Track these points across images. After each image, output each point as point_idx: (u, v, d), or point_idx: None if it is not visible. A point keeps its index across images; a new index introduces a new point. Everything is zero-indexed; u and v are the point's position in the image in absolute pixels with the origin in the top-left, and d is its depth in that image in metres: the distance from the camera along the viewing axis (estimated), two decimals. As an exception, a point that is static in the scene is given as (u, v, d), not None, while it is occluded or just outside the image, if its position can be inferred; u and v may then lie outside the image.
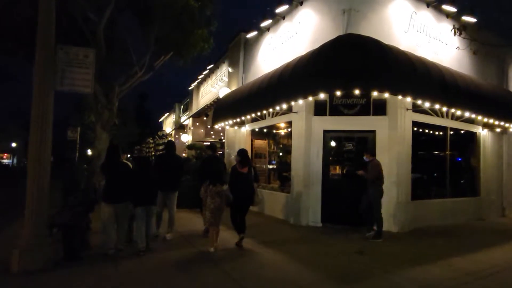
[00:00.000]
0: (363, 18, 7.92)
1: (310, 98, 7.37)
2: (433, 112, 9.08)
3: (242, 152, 6.78)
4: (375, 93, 8.10)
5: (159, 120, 35.44)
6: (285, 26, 10.07)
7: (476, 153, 10.79)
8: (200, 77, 18.04)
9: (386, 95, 7.39)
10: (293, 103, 8.06)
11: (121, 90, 12.83)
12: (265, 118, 10.99)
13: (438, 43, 9.39)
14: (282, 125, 11.80)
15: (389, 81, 6.49)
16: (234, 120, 10.76)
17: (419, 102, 7.46)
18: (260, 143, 12.73)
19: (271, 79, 8.26)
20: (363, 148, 8.60)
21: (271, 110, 9.30)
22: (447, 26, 9.47)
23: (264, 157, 12.77)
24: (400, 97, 7.03)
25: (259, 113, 9.88)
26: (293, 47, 9.54)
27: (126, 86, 13.00)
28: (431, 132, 9.62)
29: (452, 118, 9.64)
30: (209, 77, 17.74)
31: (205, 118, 16.98)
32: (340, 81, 6.52)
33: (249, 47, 12.48)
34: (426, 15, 9.12)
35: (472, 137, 10.72)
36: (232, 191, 6.23)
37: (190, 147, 13.86)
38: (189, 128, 20.77)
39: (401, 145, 8.16)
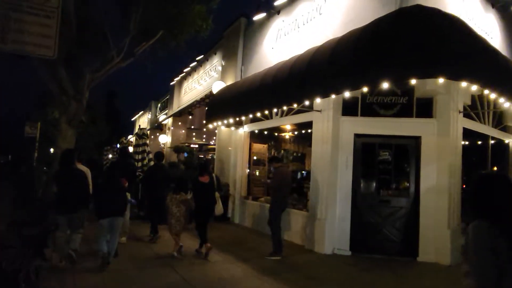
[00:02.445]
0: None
1: (365, 89, 5.56)
2: (476, 117, 7.62)
3: (202, 163, 7.12)
4: (423, 89, 6.57)
5: (132, 119, 32.77)
6: (303, 7, 8.30)
7: (509, 166, 9.43)
8: (185, 70, 15.91)
9: (466, 86, 5.77)
10: (318, 99, 6.25)
11: (93, 78, 10.61)
12: (271, 118, 9.17)
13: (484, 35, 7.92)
14: (288, 126, 10.05)
15: (480, 70, 4.81)
16: (232, 120, 8.85)
17: (501, 100, 5.86)
18: (259, 147, 10.88)
19: (293, 69, 6.42)
20: (403, 158, 6.97)
21: (284, 107, 7.50)
22: (492, 16, 8.08)
23: (263, 164, 10.93)
24: (486, 91, 5.39)
25: (266, 112, 8.05)
26: (315, 31, 7.78)
27: (100, 73, 10.79)
28: (474, 140, 8.14)
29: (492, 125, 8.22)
30: (195, 71, 15.69)
31: (190, 117, 14.91)
32: (416, 68, 4.70)
33: (251, 34, 10.62)
34: (474, 2, 7.63)
35: (505, 148, 9.35)
36: (194, 200, 6.37)
37: (177, 149, 11.73)
38: (168, 129, 18.58)
39: (453, 155, 6.57)
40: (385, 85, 4.91)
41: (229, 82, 10.88)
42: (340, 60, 5.33)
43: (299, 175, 10.33)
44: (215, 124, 9.46)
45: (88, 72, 10.33)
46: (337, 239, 6.81)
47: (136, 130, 28.73)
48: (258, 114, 7.91)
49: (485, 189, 2.10)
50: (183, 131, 18.32)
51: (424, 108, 6.80)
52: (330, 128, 6.97)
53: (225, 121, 8.97)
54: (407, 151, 6.89)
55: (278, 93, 6.68)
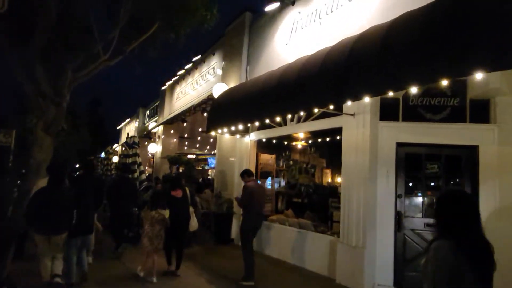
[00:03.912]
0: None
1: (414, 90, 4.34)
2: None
3: (174, 176, 6.74)
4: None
5: (118, 127, 31.07)
6: (325, -6, 7.12)
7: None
8: (179, 73, 14.53)
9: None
10: (349, 103, 4.98)
11: (75, 78, 9.19)
12: (284, 124, 7.92)
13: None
14: (302, 134, 8.80)
15: None
16: (241, 127, 7.56)
17: None
18: (267, 158, 9.60)
19: (327, 62, 5.17)
20: (456, 172, 5.78)
21: (315, 110, 6.26)
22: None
23: (271, 177, 9.65)
24: None
25: (288, 115, 6.80)
26: (343, 20, 6.60)
27: (83, 72, 9.38)
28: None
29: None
30: (189, 74, 14.36)
31: (184, 124, 13.53)
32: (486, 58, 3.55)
33: (258, 30, 9.40)
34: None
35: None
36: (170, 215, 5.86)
37: (172, 161, 10.30)
38: (158, 137, 17.12)
39: (518, 168, 5.40)
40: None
41: (232, 84, 9.60)
42: (399, 49, 4.10)
43: (309, 190, 9.03)
44: (219, 131, 8.14)
45: (69, 71, 8.92)
46: (378, 272, 5.53)
47: (124, 138, 27.06)
48: (276, 119, 6.63)
49: (447, 207, 2.04)
50: (175, 139, 16.90)
51: (480, 111, 5.65)
52: (367, 135, 5.75)
53: (232, 128, 7.66)
54: (460, 163, 5.70)
55: (307, 93, 5.40)
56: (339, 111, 6.10)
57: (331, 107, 5.13)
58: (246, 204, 6.11)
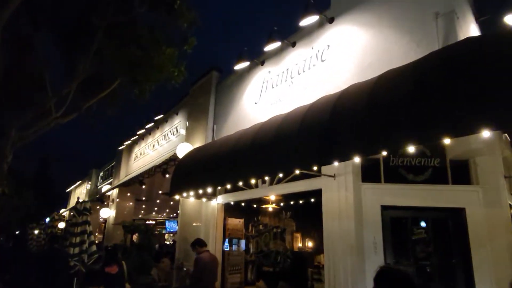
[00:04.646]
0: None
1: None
2: None
3: (110, 250, 6.09)
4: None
5: (67, 190, 28.83)
6: (296, 55, 7.06)
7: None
8: (139, 132, 13.80)
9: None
10: (335, 163, 4.63)
11: (21, 138, 8.24)
12: (255, 187, 7.38)
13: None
14: (273, 197, 8.25)
15: None
16: (206, 190, 6.90)
17: None
18: (235, 223, 8.86)
19: (307, 121, 4.84)
20: (444, 236, 5.42)
21: (281, 174, 5.78)
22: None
23: (237, 244, 8.84)
24: None
25: (253, 180, 6.27)
26: (315, 81, 6.46)
27: (30, 131, 8.47)
28: None
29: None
30: (149, 134, 13.70)
31: (143, 187, 12.53)
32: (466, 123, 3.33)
33: (225, 89, 9.15)
34: None
35: None
36: None
37: (128, 228, 9.09)
38: (112, 201, 15.77)
39: (508, 233, 5.14)
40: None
41: (197, 144, 9.07)
42: (390, 105, 3.85)
43: (286, 258, 8.29)
44: (184, 195, 7.39)
45: (14, 129, 7.99)
46: None
47: (73, 202, 24.91)
48: (250, 181, 6.08)
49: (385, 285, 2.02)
50: (131, 203, 15.64)
51: (461, 172, 5.48)
52: (351, 198, 5.32)
53: (199, 191, 6.97)
54: (448, 227, 5.36)
55: (287, 153, 4.96)
56: (317, 172, 5.69)
57: (315, 168, 4.69)
58: (198, 279, 5.68)
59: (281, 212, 7.13)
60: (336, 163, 4.36)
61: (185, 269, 7.15)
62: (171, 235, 20.28)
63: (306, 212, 6.94)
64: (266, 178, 6.48)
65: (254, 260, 8.96)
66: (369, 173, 5.52)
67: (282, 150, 4.97)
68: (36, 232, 16.67)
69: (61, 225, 18.97)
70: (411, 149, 3.75)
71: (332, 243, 5.45)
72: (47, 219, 18.59)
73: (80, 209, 8.08)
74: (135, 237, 13.05)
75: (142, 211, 17.84)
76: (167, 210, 18.16)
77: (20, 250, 5.81)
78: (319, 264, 6.36)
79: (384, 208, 5.36)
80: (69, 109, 9.03)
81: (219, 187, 6.65)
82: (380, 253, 5.15)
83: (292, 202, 8.19)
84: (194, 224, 9.00)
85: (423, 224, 5.46)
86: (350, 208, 5.29)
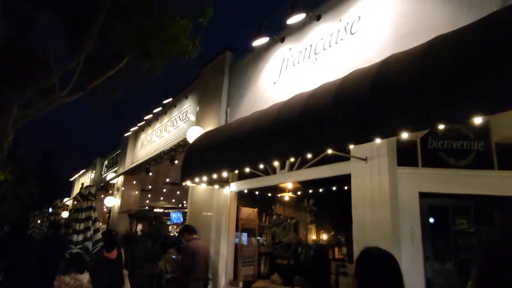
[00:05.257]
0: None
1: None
2: None
3: (109, 234, 6.05)
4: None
5: (71, 179, 28.46)
6: (321, 29, 6.49)
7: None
8: (146, 117, 13.26)
9: None
10: (377, 140, 4.09)
11: (22, 116, 7.75)
12: (274, 173, 6.86)
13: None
14: (290, 185, 7.73)
15: None
16: (221, 174, 6.38)
17: None
18: (248, 212, 8.34)
19: (340, 95, 4.28)
20: (489, 227, 4.85)
21: (309, 155, 5.24)
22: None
23: (253, 234, 8.34)
24: None
25: (276, 162, 5.73)
26: (343, 55, 5.89)
27: (33, 110, 7.98)
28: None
29: None
30: (156, 120, 13.17)
31: (150, 174, 12.05)
32: None
33: (240, 69, 8.59)
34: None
35: None
36: (95, 281, 4.86)
37: (137, 216, 8.55)
38: (117, 189, 15.33)
39: None
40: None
41: (209, 129, 8.53)
42: (447, 77, 3.27)
43: (308, 251, 7.71)
44: (196, 180, 6.88)
45: (15, 107, 7.50)
46: None
47: (77, 191, 24.47)
48: (273, 164, 5.56)
49: (364, 269, 1.90)
50: (136, 192, 15.17)
51: (508, 157, 4.92)
52: (385, 183, 4.77)
53: (213, 176, 6.44)
54: (493, 218, 4.82)
55: (318, 131, 4.41)
56: (347, 154, 5.15)
57: (351, 146, 4.14)
58: (189, 267, 5.47)
59: (303, 201, 6.59)
60: (378, 140, 3.81)
61: (173, 256, 6.68)
62: (175, 226, 19.84)
63: (328, 201, 6.41)
64: (291, 159, 5.92)
65: (268, 252, 8.47)
66: (405, 157, 4.97)
67: (312, 127, 4.43)
68: (39, 221, 16.31)
69: (64, 214, 18.61)
70: (451, 130, 3.21)
71: (363, 232, 4.91)
72: (50, 208, 18.19)
73: (85, 194, 7.59)
74: (139, 227, 12.62)
75: (147, 201, 17.40)
76: (173, 200, 17.71)
77: (19, 237, 5.38)
78: (344, 256, 5.84)
79: (422, 195, 4.81)
80: (74, 89, 8.54)
81: (236, 171, 6.11)
82: (417, 244, 4.61)
83: (311, 191, 7.65)
84: (204, 213, 8.50)
85: (465, 214, 4.91)
86: (384, 195, 4.75)
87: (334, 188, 6.72)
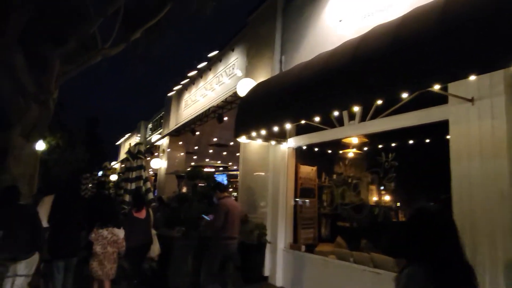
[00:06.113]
0: None
1: None
2: None
3: (139, 195, 5.94)
4: None
5: (117, 143, 29.09)
6: None
7: None
8: (191, 74, 12.62)
9: None
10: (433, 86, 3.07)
11: (65, 70, 7.30)
12: (341, 125, 6.00)
13: None
14: (355, 140, 6.85)
15: None
16: (284, 125, 5.62)
17: None
18: (307, 171, 7.62)
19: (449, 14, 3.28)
20: None
21: (404, 95, 4.30)
22: None
23: (312, 195, 7.66)
24: None
25: (356, 108, 4.84)
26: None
27: (76, 64, 7.51)
28: None
29: None
30: (200, 77, 12.50)
31: (197, 133, 11.58)
32: None
33: (295, 12, 7.57)
34: None
35: None
36: (126, 239, 5.04)
37: (192, 175, 8.09)
38: (163, 151, 15.13)
39: None
40: None
41: (261, 80, 7.69)
42: None
43: (387, 213, 6.76)
44: (253, 134, 6.18)
45: (57, 60, 7.03)
46: None
47: (123, 155, 24.93)
48: (352, 109, 4.68)
49: (421, 227, 1.74)
50: (182, 153, 14.90)
51: None
52: (501, 128, 3.77)
53: (274, 128, 5.69)
54: None
55: (413, 64, 3.45)
56: (446, 93, 4.17)
57: (471, 77, 3.17)
58: (221, 228, 5.16)
59: (379, 156, 5.72)
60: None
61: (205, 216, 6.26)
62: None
63: (411, 156, 5.51)
64: (378, 101, 5.02)
65: (329, 214, 7.78)
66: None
67: (412, 56, 3.47)
68: (90, 184, 16.70)
69: (113, 177, 18.93)
70: None
71: (468, 190, 4.00)
72: (100, 173, 18.57)
73: (134, 152, 7.17)
74: (184, 189, 12.34)
75: (192, 163, 17.20)
76: (219, 162, 17.41)
77: (71, 196, 5.22)
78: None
79: (548, 144, 3.79)
80: (117, 41, 7.98)
81: (302, 121, 5.30)
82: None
83: (380, 146, 6.71)
84: (256, 173, 7.88)
85: None
86: (499, 143, 3.77)
87: (408, 142, 5.76)
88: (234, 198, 7.56)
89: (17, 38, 6.71)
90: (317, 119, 4.90)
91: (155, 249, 5.84)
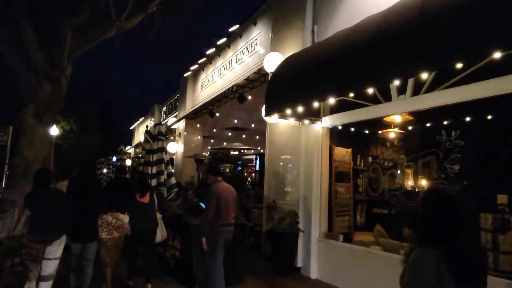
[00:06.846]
0: None
1: None
2: None
3: (141, 177, 5.98)
4: None
5: (130, 127, 28.73)
6: None
7: None
8: (209, 52, 11.90)
9: None
10: None
11: (78, 45, 6.70)
12: (388, 100, 5.32)
13: None
14: (398, 118, 6.16)
15: None
16: (327, 100, 4.96)
17: None
18: (342, 153, 6.98)
19: None
20: None
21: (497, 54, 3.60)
22: None
23: (347, 179, 7.03)
24: None
25: (425, 74, 4.15)
26: None
27: (90, 37, 6.91)
28: None
29: None
30: (218, 56, 11.79)
31: (217, 114, 10.96)
32: None
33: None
34: None
35: None
36: (131, 224, 5.07)
37: (218, 158, 7.49)
38: (179, 135, 14.58)
39: None
40: None
41: (289, 54, 6.97)
42: None
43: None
44: (288, 112, 5.55)
45: (69, 34, 6.43)
46: None
47: (137, 140, 24.52)
48: (420, 76, 4.00)
49: (433, 208, 1.69)
50: (199, 137, 14.34)
51: None
52: None
53: (313, 104, 5.03)
54: None
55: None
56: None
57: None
58: (212, 213, 4.81)
59: (439, 134, 5.02)
60: None
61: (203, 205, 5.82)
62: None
63: (477, 134, 4.80)
64: (456, 65, 4.32)
65: (365, 200, 7.17)
66: None
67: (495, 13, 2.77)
68: (105, 170, 16.36)
69: (128, 162, 18.55)
70: None
71: None
72: (114, 158, 18.21)
73: (154, 134, 6.60)
74: (201, 173, 11.84)
75: (209, 147, 16.66)
76: (236, 144, 16.82)
77: (87, 178, 4.75)
78: (503, 208, 4.26)
79: None
80: (132, 13, 7.34)
81: (351, 94, 4.61)
82: None
83: (428, 124, 6.00)
84: (285, 156, 7.25)
85: None
86: None
87: (492, 115, 4.94)
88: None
89: (25, 8, 6.10)
90: (370, 90, 4.23)
91: (162, 233, 5.75)
